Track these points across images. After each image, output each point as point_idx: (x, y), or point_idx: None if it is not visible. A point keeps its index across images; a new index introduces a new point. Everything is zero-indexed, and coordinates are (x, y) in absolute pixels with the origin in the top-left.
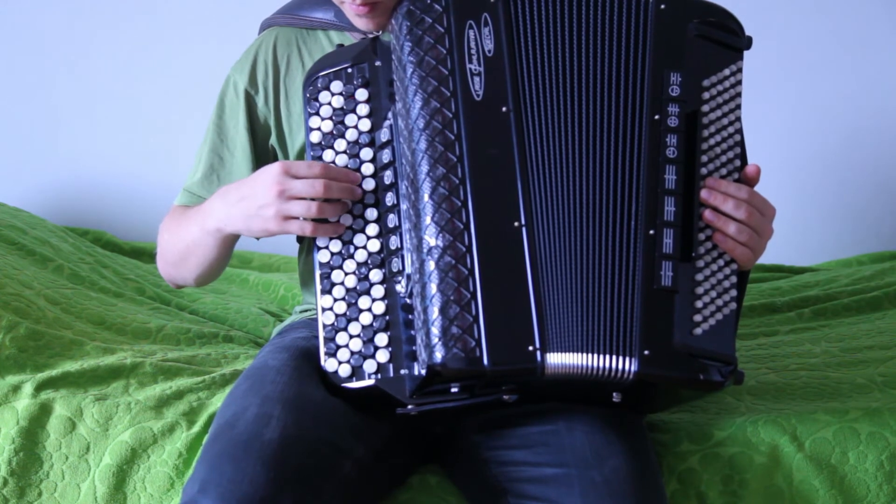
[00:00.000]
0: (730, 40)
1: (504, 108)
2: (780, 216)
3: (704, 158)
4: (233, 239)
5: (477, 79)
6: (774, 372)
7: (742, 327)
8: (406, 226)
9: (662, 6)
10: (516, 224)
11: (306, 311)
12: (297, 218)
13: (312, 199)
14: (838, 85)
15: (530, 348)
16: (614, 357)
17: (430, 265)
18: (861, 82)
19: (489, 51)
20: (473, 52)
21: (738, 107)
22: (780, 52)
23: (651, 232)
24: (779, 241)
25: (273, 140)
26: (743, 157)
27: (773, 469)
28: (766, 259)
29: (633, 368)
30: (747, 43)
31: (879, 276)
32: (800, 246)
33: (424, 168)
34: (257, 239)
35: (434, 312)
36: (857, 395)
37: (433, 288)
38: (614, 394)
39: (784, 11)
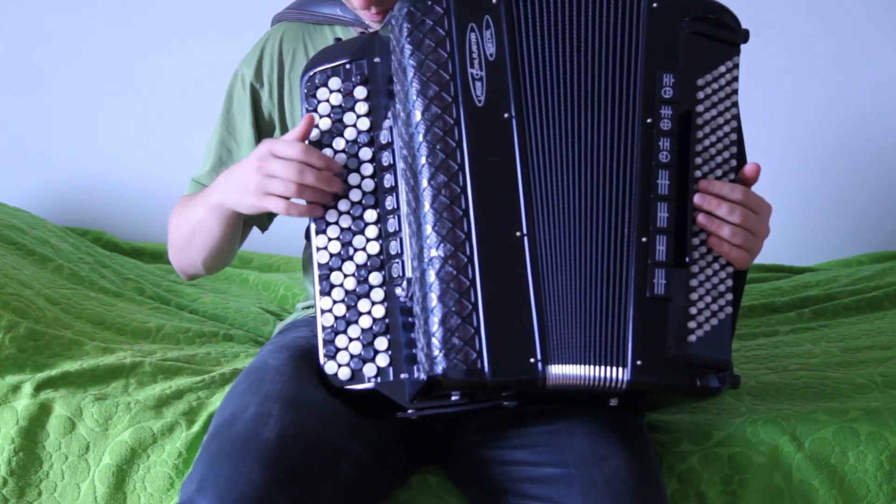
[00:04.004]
0: (725, 35)
1: (506, 115)
2: (780, 216)
3: (699, 160)
4: (235, 217)
5: (479, 84)
6: (774, 372)
7: (742, 327)
8: (407, 231)
9: (655, 5)
10: (518, 234)
11: (309, 307)
12: (276, 196)
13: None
14: (838, 85)
15: (532, 360)
16: (607, 367)
17: (431, 275)
18: (861, 82)
19: (491, 55)
20: (475, 55)
21: (735, 104)
22: (780, 51)
23: (644, 239)
24: (779, 241)
25: (277, 134)
26: (741, 154)
27: (773, 469)
28: (766, 259)
29: (625, 378)
30: (744, 37)
31: (879, 276)
32: (800, 246)
33: (425, 176)
34: (262, 231)
35: (435, 323)
36: (857, 395)
37: (434, 298)
38: (611, 400)
39: (784, 10)
